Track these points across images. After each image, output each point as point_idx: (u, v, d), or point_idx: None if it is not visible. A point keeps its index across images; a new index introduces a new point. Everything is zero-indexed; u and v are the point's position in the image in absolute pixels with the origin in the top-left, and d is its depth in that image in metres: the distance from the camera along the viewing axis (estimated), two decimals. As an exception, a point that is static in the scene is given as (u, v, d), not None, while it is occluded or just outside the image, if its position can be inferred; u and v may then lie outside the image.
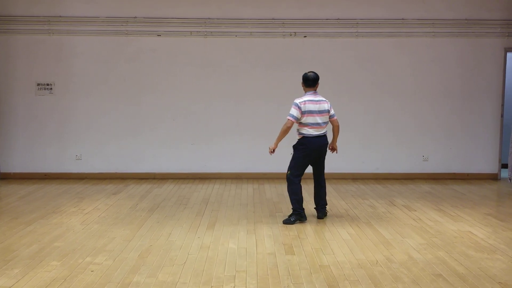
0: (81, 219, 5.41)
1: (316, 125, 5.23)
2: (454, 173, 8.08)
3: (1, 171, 7.95)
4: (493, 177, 8.06)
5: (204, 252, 4.31)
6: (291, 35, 7.88)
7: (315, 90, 5.34)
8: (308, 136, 5.24)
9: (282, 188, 7.03)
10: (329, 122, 5.41)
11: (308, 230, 5.03)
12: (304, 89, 5.37)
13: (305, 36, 7.89)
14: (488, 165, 8.08)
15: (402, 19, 7.86)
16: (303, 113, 5.17)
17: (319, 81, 5.38)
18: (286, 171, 5.45)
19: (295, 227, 5.11)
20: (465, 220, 5.44)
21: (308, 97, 5.26)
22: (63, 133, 7.94)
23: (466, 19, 7.85)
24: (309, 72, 5.38)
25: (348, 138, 8.01)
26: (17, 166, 7.93)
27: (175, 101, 7.94)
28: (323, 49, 7.91)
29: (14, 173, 7.94)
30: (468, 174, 8.08)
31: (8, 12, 7.74)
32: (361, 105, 7.99)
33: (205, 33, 7.84)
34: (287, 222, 5.27)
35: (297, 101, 5.23)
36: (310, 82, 5.29)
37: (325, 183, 5.53)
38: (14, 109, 7.87)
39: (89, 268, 3.91)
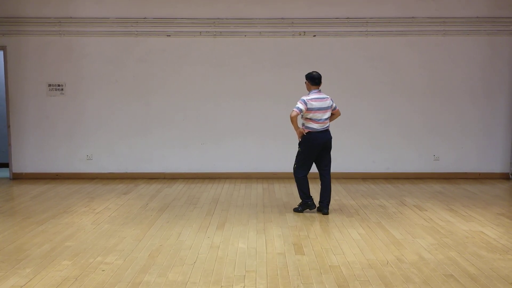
0: (92, 218, 5.45)
1: (321, 121, 5.59)
2: (465, 173, 8.01)
3: (13, 171, 8.03)
4: (505, 177, 7.98)
5: (214, 252, 4.32)
6: (300, 35, 7.86)
7: (319, 88, 5.68)
8: (313, 132, 5.58)
9: (292, 188, 7.03)
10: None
11: (318, 230, 5.02)
12: (308, 88, 5.70)
13: (314, 35, 7.86)
14: (500, 164, 8.00)
15: (413, 17, 7.81)
16: (308, 109, 5.53)
17: (323, 80, 5.75)
18: (291, 170, 5.90)
19: (305, 227, 5.10)
20: (477, 220, 5.39)
21: (314, 95, 5.61)
22: (74, 134, 8.00)
23: (477, 17, 7.78)
24: (313, 72, 5.72)
25: (358, 137, 8.00)
26: (29, 166, 8.01)
27: (184, 101, 7.97)
28: (333, 48, 7.89)
29: (26, 173, 8.02)
30: (479, 174, 8.01)
31: (19, 13, 7.81)
32: (372, 104, 7.95)
33: (215, 33, 7.85)
34: (296, 210, 5.78)
35: (305, 97, 5.60)
36: (317, 80, 5.66)
37: (329, 180, 5.76)
38: (25, 109, 7.94)
39: (100, 267, 3.93)
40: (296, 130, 5.63)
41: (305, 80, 5.71)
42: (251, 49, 7.89)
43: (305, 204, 5.71)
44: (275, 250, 4.38)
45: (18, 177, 8.02)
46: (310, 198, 5.71)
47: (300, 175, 5.68)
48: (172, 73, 7.94)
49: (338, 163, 8.04)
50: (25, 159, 8.01)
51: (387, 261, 4.06)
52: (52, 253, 4.26)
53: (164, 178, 7.98)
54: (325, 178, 5.71)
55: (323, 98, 5.60)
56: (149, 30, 7.85)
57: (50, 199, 6.48)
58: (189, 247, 4.45)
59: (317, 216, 5.57)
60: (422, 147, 8.00)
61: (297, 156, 5.73)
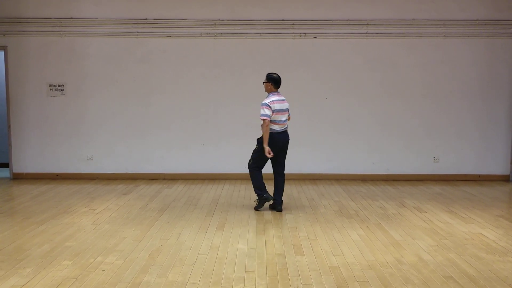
0: (92, 219, 5.46)
1: (281, 122, 5.66)
2: (465, 175, 8.02)
3: (14, 171, 8.04)
4: (505, 179, 7.99)
5: (213, 252, 4.33)
6: (300, 36, 7.88)
7: (278, 90, 5.73)
8: (274, 133, 5.62)
9: (291, 189, 7.04)
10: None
11: (318, 231, 5.03)
12: (269, 89, 5.70)
13: (315, 37, 7.88)
14: (500, 166, 8.01)
15: (413, 19, 7.82)
16: (273, 111, 5.56)
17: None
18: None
19: (305, 228, 5.11)
20: (476, 222, 5.40)
21: (275, 97, 5.64)
22: (75, 134, 8.01)
23: (477, 19, 7.80)
24: (273, 74, 5.72)
25: (358, 139, 8.01)
26: (29, 166, 8.02)
27: (185, 102, 7.98)
28: (333, 50, 7.90)
29: (26, 173, 8.03)
30: (479, 176, 8.02)
31: (20, 13, 7.83)
32: (372, 106, 7.96)
33: (215, 34, 7.87)
34: (256, 208, 5.85)
35: (266, 101, 5.60)
36: (279, 83, 5.69)
37: (284, 179, 5.88)
38: (26, 110, 7.95)
39: (100, 267, 3.94)
40: (266, 140, 5.52)
41: (265, 81, 5.68)
42: (252, 50, 7.90)
43: (263, 199, 5.75)
44: (274, 251, 4.39)
45: (18, 177, 8.03)
46: (265, 190, 5.75)
47: (255, 171, 5.74)
48: (172, 74, 7.95)
49: (338, 164, 8.07)
50: (26, 159, 8.02)
51: (387, 262, 4.07)
52: (52, 253, 4.27)
53: (164, 179, 7.99)
54: (280, 178, 5.81)
55: (283, 100, 5.68)
56: (149, 31, 7.86)
57: (50, 199, 6.48)
58: (189, 247, 4.46)
59: (316, 217, 5.57)
60: (422, 149, 8.01)
61: (253, 153, 5.77)
